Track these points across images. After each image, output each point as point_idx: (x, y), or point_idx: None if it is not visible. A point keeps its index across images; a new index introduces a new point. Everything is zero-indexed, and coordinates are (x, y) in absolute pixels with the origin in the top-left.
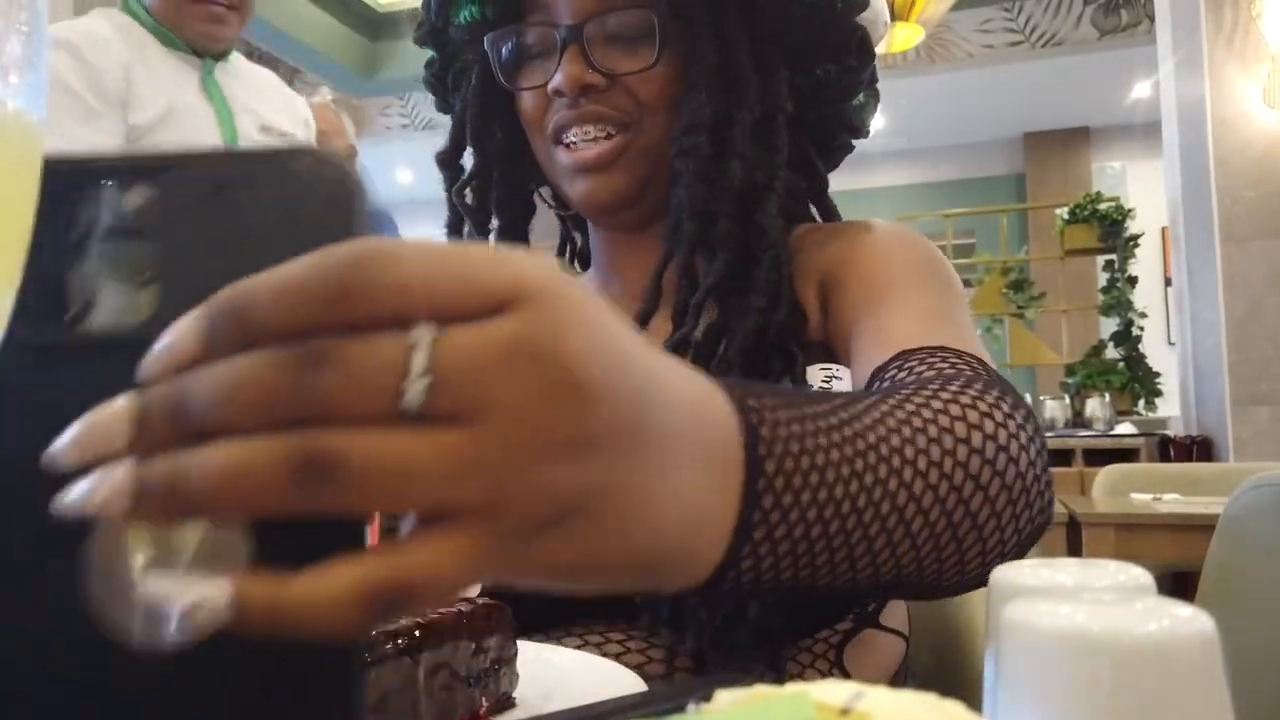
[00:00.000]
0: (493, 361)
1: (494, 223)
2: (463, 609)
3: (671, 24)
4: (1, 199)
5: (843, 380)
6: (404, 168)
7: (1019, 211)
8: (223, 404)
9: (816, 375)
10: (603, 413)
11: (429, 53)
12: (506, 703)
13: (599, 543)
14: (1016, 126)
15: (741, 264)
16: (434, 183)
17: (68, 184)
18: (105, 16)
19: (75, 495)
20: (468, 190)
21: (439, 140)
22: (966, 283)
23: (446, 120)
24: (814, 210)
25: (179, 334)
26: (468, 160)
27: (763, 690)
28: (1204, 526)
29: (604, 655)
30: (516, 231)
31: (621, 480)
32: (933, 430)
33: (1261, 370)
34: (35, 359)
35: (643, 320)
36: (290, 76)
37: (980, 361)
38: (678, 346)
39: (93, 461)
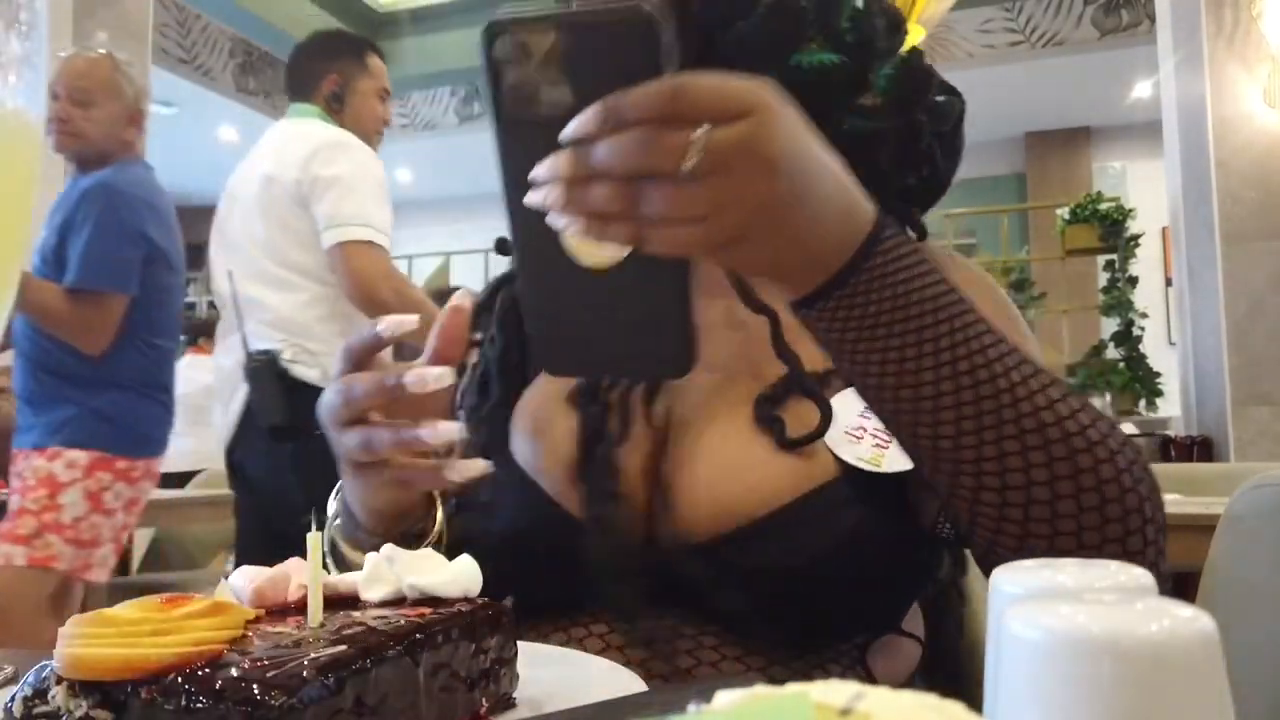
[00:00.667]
0: (732, 147)
1: None
2: (463, 609)
3: None
4: (2, 196)
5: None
6: (404, 168)
7: (1020, 211)
8: (605, 156)
9: (852, 404)
10: (781, 184)
11: (427, 54)
12: (506, 703)
13: (759, 250)
14: (1017, 126)
15: None
16: (433, 182)
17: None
18: None
19: (541, 195)
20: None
21: (439, 140)
22: None
23: (446, 121)
24: None
25: (584, 121)
26: None
27: (762, 691)
28: (1205, 527)
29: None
30: None
31: (785, 220)
32: (1042, 380)
33: (1262, 370)
34: (514, 132)
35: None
36: None
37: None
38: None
39: (547, 179)
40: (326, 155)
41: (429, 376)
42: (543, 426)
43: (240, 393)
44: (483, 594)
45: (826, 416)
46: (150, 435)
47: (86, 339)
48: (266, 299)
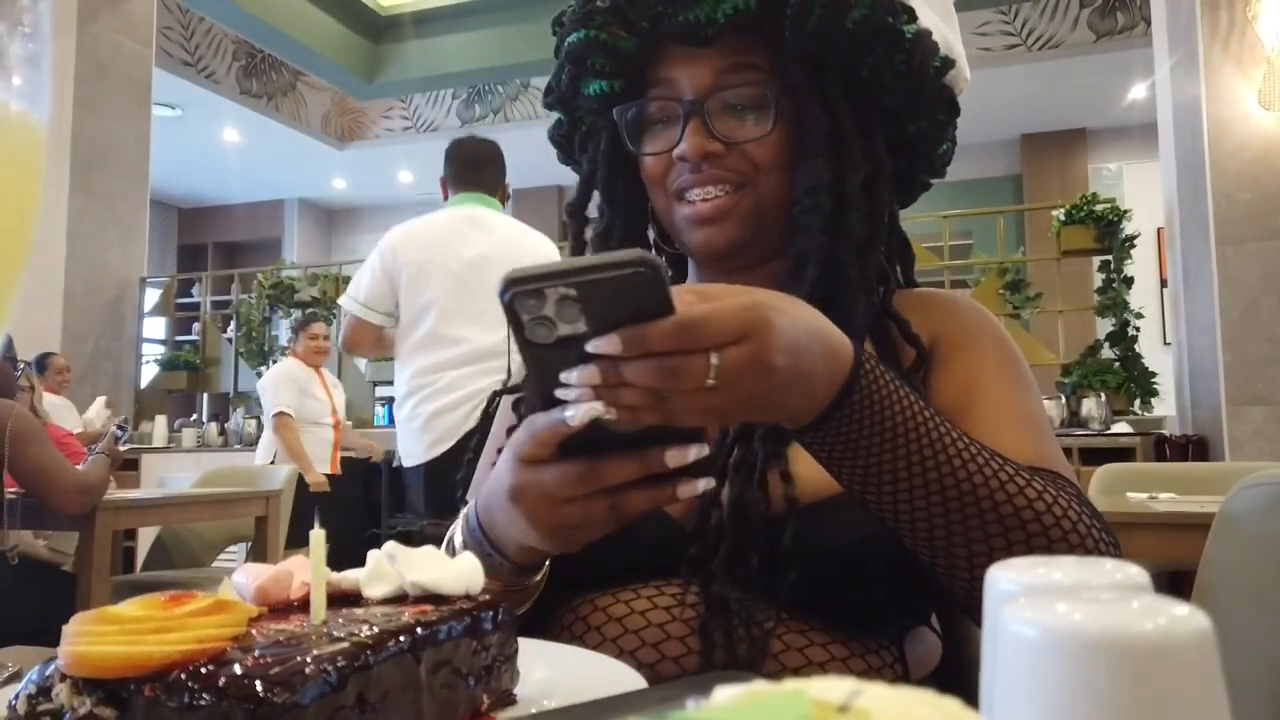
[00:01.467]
0: (739, 366)
1: None
2: (464, 606)
3: (783, 96)
4: (5, 198)
5: None
6: (406, 169)
7: (1016, 212)
8: (635, 375)
9: None
10: (781, 376)
11: (430, 57)
12: (507, 699)
13: (762, 413)
14: (1013, 128)
15: (842, 304)
16: (434, 183)
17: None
18: None
19: (576, 405)
20: (599, 238)
21: (440, 142)
22: (964, 284)
23: (448, 123)
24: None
25: (610, 343)
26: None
27: (761, 687)
28: (1200, 525)
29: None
30: None
31: (784, 391)
32: (1005, 475)
33: (1257, 370)
34: (541, 351)
35: None
36: (293, 79)
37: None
38: None
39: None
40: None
41: (689, 453)
42: None
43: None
44: (482, 591)
45: None
46: None
47: None
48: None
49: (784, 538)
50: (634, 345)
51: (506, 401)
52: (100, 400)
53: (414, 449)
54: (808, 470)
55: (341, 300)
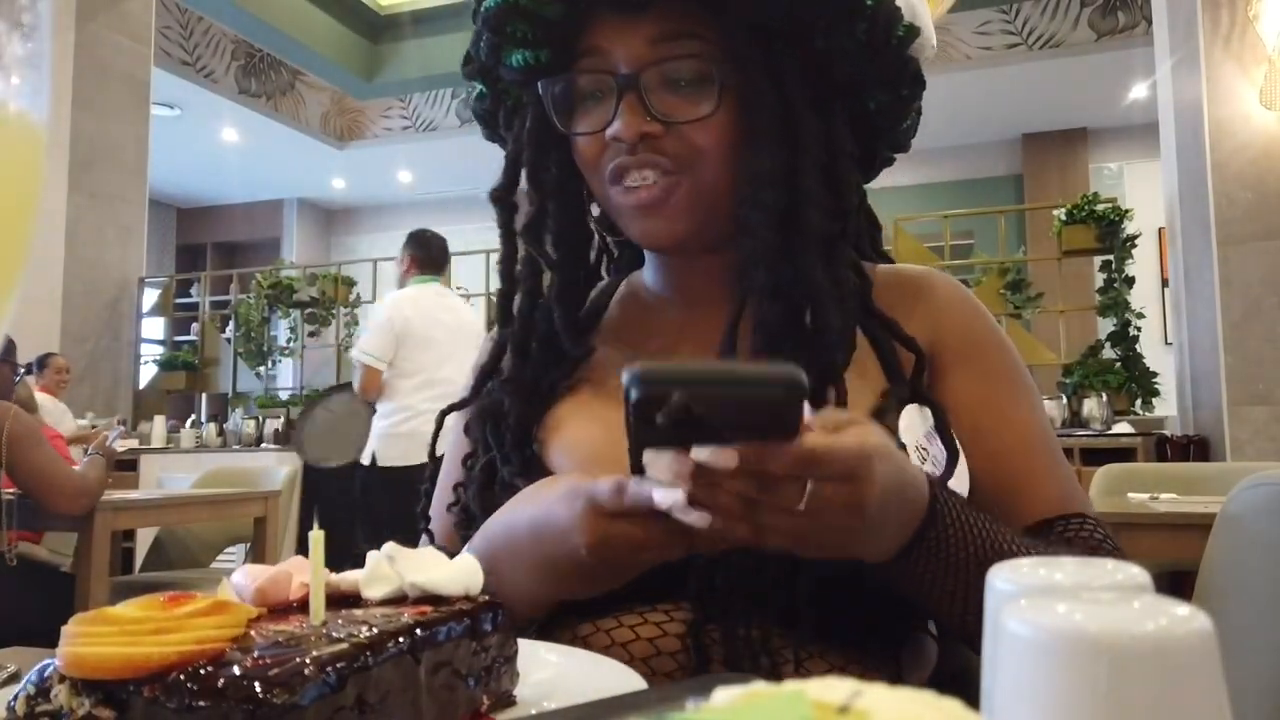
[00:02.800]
0: (838, 501)
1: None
2: (464, 607)
3: (728, 70)
4: (5, 199)
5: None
6: (405, 169)
7: (1017, 212)
8: (734, 480)
9: (917, 425)
10: (870, 519)
11: (429, 57)
12: (507, 700)
13: (845, 550)
14: (1014, 128)
15: (814, 312)
16: (433, 183)
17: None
18: None
19: (668, 492)
20: (529, 229)
21: (439, 142)
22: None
23: (447, 123)
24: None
25: (726, 457)
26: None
27: (761, 688)
28: (1201, 526)
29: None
30: (577, 260)
31: (867, 533)
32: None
33: (1258, 370)
34: (649, 427)
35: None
36: (292, 78)
37: (1098, 523)
38: None
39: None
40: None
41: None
42: (600, 456)
43: None
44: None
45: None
46: None
47: None
48: None
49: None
50: (751, 464)
51: (458, 422)
52: (89, 417)
53: (390, 452)
54: None
55: (354, 354)
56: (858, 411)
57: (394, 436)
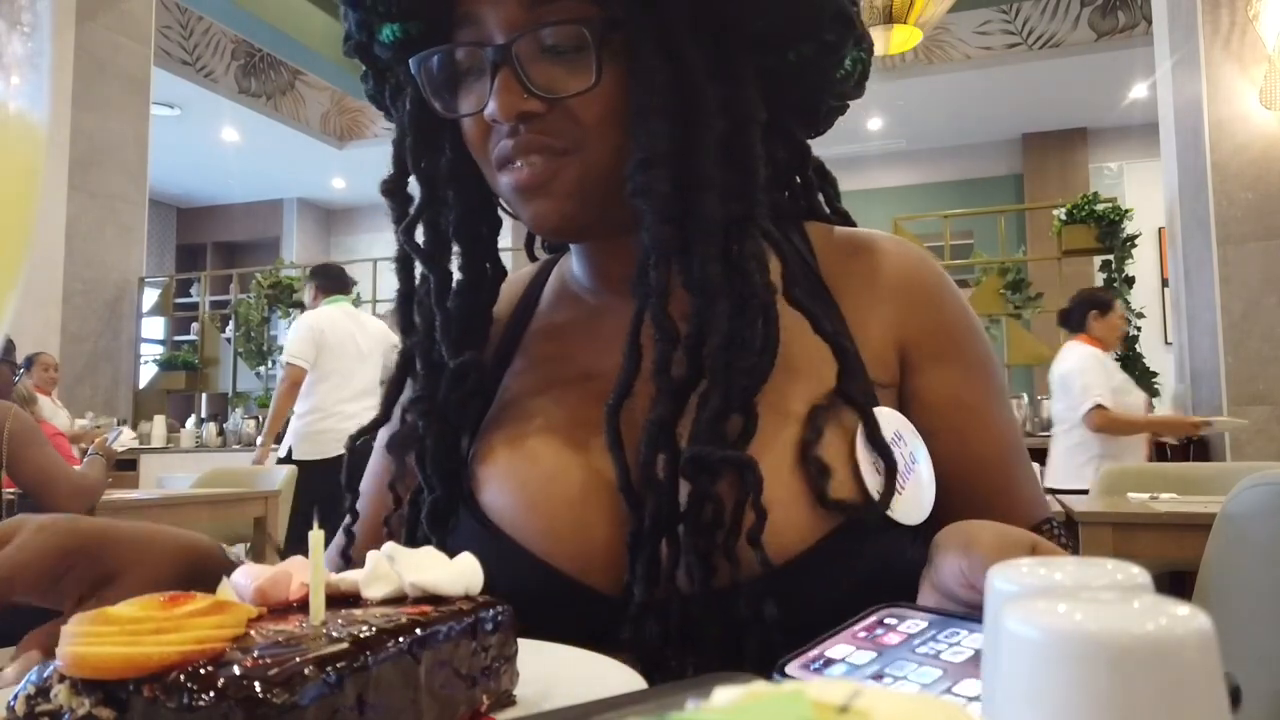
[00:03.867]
0: None
1: (454, 249)
2: (464, 607)
3: (610, 34)
4: (4, 199)
5: (906, 442)
6: None
7: (1017, 212)
8: None
9: (889, 423)
10: None
11: None
12: (507, 700)
13: None
14: (1014, 127)
15: (728, 310)
16: None
17: None
18: None
19: None
20: (419, 226)
21: None
22: (964, 283)
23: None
24: (812, 193)
25: None
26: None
27: (760, 688)
28: (1201, 525)
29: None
30: (485, 251)
31: None
32: None
33: (1258, 370)
34: None
35: (623, 388)
36: (292, 78)
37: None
38: (660, 423)
39: None
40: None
41: None
42: (535, 499)
43: None
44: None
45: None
46: None
47: None
48: None
49: (760, 605)
50: None
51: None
52: (89, 417)
53: (305, 446)
54: (780, 520)
55: (282, 358)
56: (793, 413)
57: (309, 434)
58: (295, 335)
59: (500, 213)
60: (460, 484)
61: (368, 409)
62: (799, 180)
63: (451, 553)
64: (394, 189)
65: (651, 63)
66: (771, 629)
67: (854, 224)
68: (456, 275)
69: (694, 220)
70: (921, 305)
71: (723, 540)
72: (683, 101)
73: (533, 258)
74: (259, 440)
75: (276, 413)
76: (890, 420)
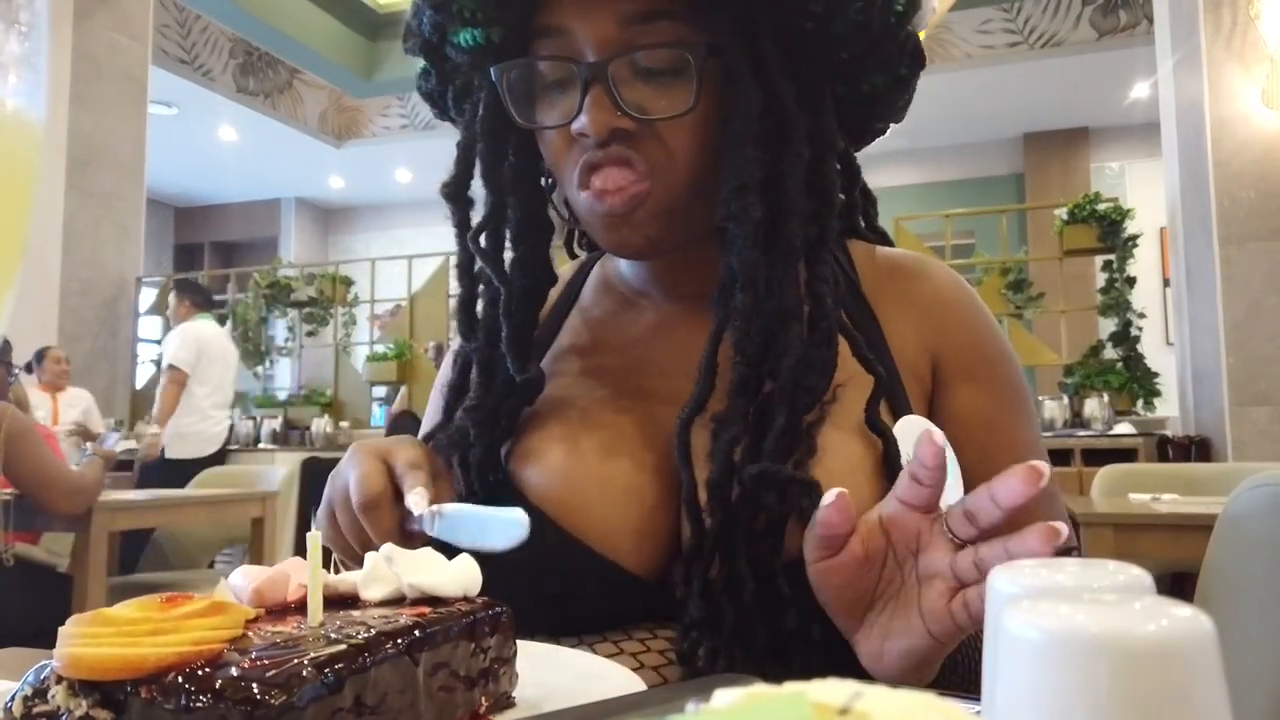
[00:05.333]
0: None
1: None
2: (462, 609)
3: (707, 59)
4: (1, 198)
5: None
6: (404, 168)
7: (1018, 212)
8: None
9: (913, 426)
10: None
11: None
12: (506, 702)
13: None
14: (1016, 127)
15: (802, 332)
16: (432, 182)
17: None
18: None
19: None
20: (484, 233)
21: (439, 141)
22: None
23: (447, 122)
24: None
25: None
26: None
27: (761, 689)
28: (1203, 526)
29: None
30: (538, 256)
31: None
32: None
33: (1260, 371)
34: None
35: (698, 404)
36: (290, 77)
37: None
38: (735, 442)
39: None
40: None
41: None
42: (580, 491)
43: None
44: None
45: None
46: None
47: None
48: None
49: (809, 623)
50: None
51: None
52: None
53: (178, 446)
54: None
55: (166, 361)
56: (848, 420)
57: (182, 435)
58: (179, 342)
59: (552, 215)
60: (501, 483)
61: (228, 415)
62: (844, 199)
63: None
64: (457, 192)
65: (748, 90)
66: (816, 646)
67: (891, 243)
68: (517, 282)
69: (778, 245)
70: (956, 324)
71: (777, 555)
72: (774, 129)
73: (573, 255)
74: (150, 432)
75: (166, 412)
76: (923, 426)
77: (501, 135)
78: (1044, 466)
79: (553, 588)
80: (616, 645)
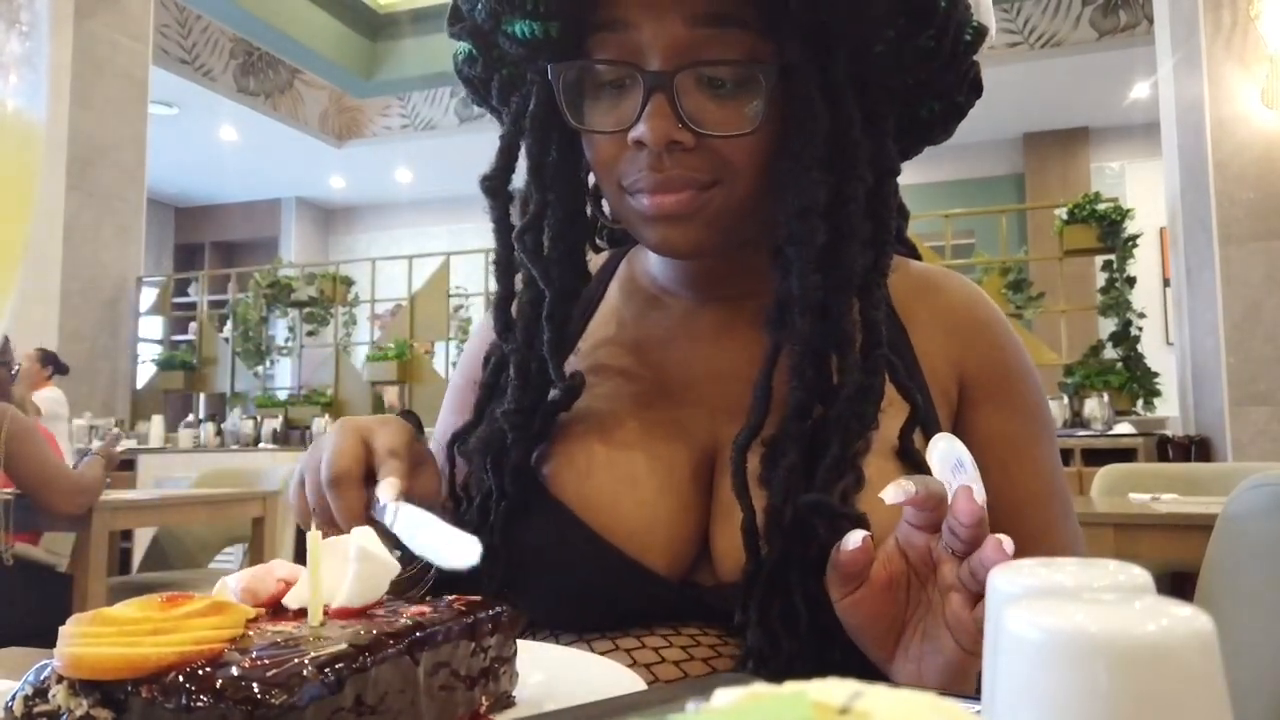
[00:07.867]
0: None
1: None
2: (463, 608)
3: (776, 78)
4: (2, 198)
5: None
6: (404, 168)
7: (1018, 212)
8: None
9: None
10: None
11: (428, 55)
12: (506, 702)
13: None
14: (1016, 127)
15: (859, 361)
16: (432, 182)
17: None
18: None
19: None
20: (528, 233)
21: (438, 140)
22: None
23: (446, 121)
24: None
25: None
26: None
27: (761, 689)
28: (1203, 526)
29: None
30: (575, 256)
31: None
32: None
33: (1259, 370)
34: None
35: (754, 430)
36: (290, 77)
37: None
38: (786, 454)
39: None
40: None
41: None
42: (610, 490)
43: None
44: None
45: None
46: None
47: None
48: None
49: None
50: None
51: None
52: (86, 416)
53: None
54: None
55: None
56: (885, 445)
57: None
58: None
59: (591, 213)
60: (531, 483)
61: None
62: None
63: (528, 546)
64: (497, 187)
65: (818, 112)
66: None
67: (919, 256)
68: (557, 284)
69: (838, 269)
70: (983, 343)
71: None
72: (838, 152)
73: (596, 250)
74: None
75: None
76: (953, 448)
77: (549, 132)
78: (1009, 544)
79: (580, 586)
80: (640, 641)
